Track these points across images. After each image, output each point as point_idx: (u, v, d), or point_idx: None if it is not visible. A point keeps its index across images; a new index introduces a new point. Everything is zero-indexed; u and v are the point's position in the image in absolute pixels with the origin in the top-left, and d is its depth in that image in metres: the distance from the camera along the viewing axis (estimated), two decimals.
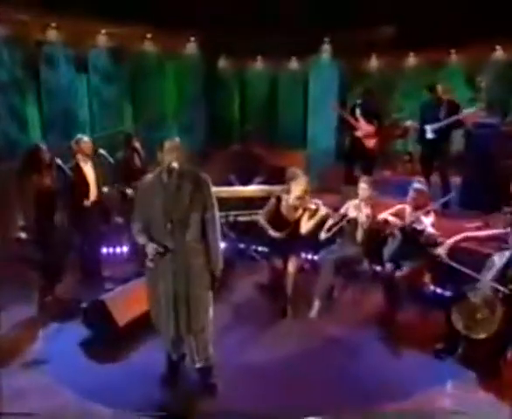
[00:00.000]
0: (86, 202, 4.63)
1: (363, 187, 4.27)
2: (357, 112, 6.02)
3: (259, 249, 5.34)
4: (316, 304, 4.20)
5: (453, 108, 5.35)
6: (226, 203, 4.99)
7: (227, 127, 8.30)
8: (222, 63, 8.63)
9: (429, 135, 5.42)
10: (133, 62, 7.62)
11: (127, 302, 3.88)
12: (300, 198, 4.18)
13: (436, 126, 5.36)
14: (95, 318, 3.80)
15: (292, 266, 4.19)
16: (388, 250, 4.17)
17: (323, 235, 4.29)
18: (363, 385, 3.20)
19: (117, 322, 3.75)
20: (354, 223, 4.23)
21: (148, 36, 7.58)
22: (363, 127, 5.99)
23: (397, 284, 3.92)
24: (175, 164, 2.83)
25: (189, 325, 3.02)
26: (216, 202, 2.94)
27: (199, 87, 8.22)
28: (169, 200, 2.82)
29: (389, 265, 4.07)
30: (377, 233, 4.21)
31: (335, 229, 4.25)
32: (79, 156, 4.65)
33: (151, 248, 2.82)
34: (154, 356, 3.36)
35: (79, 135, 4.74)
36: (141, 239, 2.91)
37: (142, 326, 3.51)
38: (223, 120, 8.51)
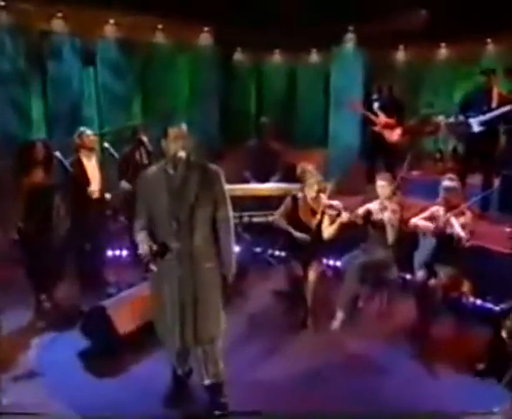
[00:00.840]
0: (87, 201, 4.53)
1: (381, 184, 4.15)
2: (375, 106, 6.04)
3: (277, 253, 5.30)
4: (339, 315, 4.09)
5: (504, 100, 5.10)
6: (240, 202, 4.84)
7: (242, 123, 8.26)
8: (238, 55, 8.65)
9: (475, 129, 5.17)
10: (143, 54, 7.57)
11: (130, 309, 3.76)
12: (316, 198, 4.10)
13: (487, 116, 5.09)
14: (94, 325, 3.66)
15: (312, 273, 4.08)
16: (420, 256, 4.03)
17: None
18: (392, 408, 3.02)
19: (118, 331, 3.61)
20: (380, 224, 4.09)
21: (160, 26, 7.55)
22: (383, 121, 5.97)
23: (430, 293, 3.74)
24: (181, 154, 2.66)
25: (196, 335, 2.86)
26: (229, 199, 2.80)
27: (213, 81, 8.17)
28: (174, 195, 2.67)
29: (421, 272, 3.89)
30: (407, 236, 4.11)
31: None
32: (82, 151, 4.57)
33: (145, 247, 2.60)
34: (158, 370, 3.24)
35: (82, 128, 4.65)
36: (140, 238, 2.71)
37: (146, 337, 3.39)
38: (238, 115, 8.48)
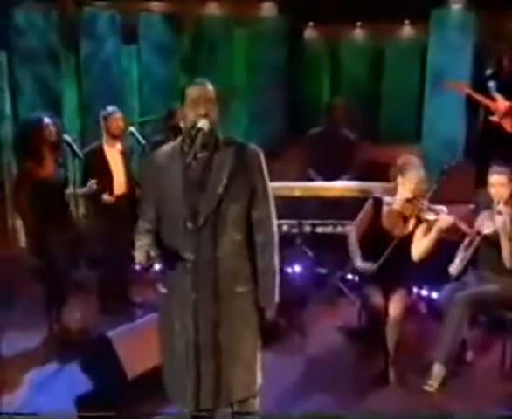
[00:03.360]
0: (108, 198, 4.43)
1: (498, 180, 3.79)
2: (491, 87, 5.59)
3: (349, 277, 5.02)
4: (437, 370, 3.68)
5: None
6: (301, 206, 4.70)
7: (312, 113, 7.92)
8: (309, 30, 8.56)
9: None
10: (192, 30, 7.55)
11: (143, 344, 3.37)
12: (411, 201, 3.80)
13: None
14: (96, 362, 3.45)
15: (396, 306, 3.73)
16: None
17: (454, 267, 3.92)
18: None
19: (125, 372, 3.32)
20: (493, 242, 3.76)
21: None
22: (504, 107, 5.51)
23: None
24: (203, 124, 2.31)
25: (218, 395, 2.42)
26: (271, 193, 2.50)
27: (277, 62, 7.94)
28: (192, 184, 2.37)
29: None
30: None
31: (469, 254, 3.86)
32: (107, 137, 4.53)
33: (141, 251, 2.34)
34: None
35: (110, 108, 4.58)
36: (139, 243, 2.41)
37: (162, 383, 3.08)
38: (307, 103, 8.34)
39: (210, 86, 2.40)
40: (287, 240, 4.67)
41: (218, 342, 2.41)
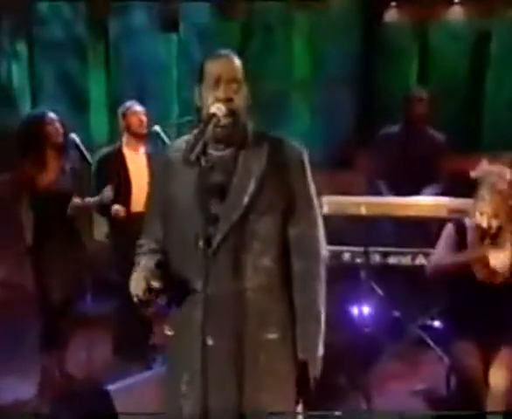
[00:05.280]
0: (118, 209, 4.37)
1: None
2: None
3: (433, 323, 4.76)
4: None
5: None
6: (367, 228, 4.51)
7: (394, 115, 7.18)
8: (391, 12, 8.17)
9: None
10: (243, 16, 7.50)
11: (150, 401, 3.23)
12: (493, 218, 3.58)
13: None
14: None
15: (500, 373, 3.44)
16: None
17: None
18: None
19: None
20: None
21: None
22: None
23: None
24: (217, 109, 2.18)
25: None
26: (317, 205, 2.39)
27: (348, 50, 7.71)
28: (207, 189, 2.26)
29: None
30: None
31: None
32: (126, 136, 4.52)
33: (140, 281, 2.21)
34: None
35: (129, 103, 4.61)
36: (140, 268, 2.30)
37: None
38: (386, 101, 7.84)
39: (236, 62, 2.26)
40: (349, 272, 4.57)
41: (238, 409, 2.24)
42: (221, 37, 7.26)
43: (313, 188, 2.35)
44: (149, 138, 4.75)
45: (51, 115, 4.11)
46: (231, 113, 2.17)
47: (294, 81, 7.51)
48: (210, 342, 2.21)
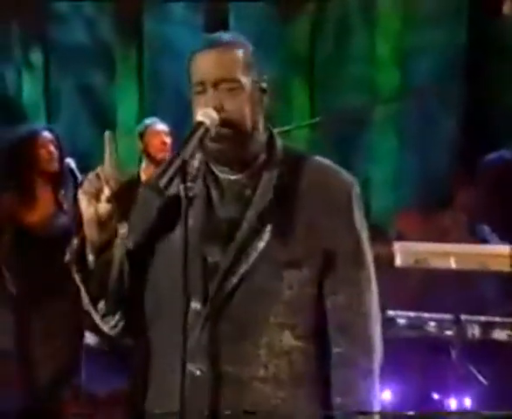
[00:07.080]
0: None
1: None
2: None
3: None
4: None
5: None
6: (461, 287, 4.14)
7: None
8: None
9: None
10: (310, 13, 7.59)
11: None
12: None
13: None
14: None
15: None
16: None
17: None
18: None
19: None
20: None
21: None
22: None
23: None
24: (204, 116, 2.03)
25: None
26: (371, 262, 2.18)
27: (449, 52, 7.45)
28: (210, 232, 2.15)
29: None
30: None
31: None
32: (145, 161, 4.58)
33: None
34: None
35: (149, 120, 4.74)
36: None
37: None
38: (504, 117, 7.45)
39: (233, 53, 2.01)
40: (433, 349, 4.28)
41: None
42: (279, 40, 7.41)
43: (365, 238, 2.10)
44: None
45: (45, 135, 4.03)
46: (228, 123, 1.95)
47: (378, 91, 7.41)
48: None
